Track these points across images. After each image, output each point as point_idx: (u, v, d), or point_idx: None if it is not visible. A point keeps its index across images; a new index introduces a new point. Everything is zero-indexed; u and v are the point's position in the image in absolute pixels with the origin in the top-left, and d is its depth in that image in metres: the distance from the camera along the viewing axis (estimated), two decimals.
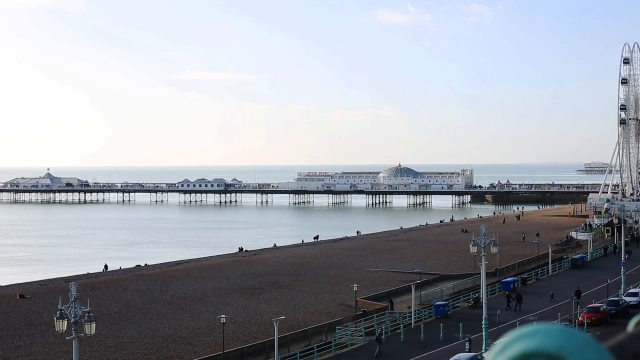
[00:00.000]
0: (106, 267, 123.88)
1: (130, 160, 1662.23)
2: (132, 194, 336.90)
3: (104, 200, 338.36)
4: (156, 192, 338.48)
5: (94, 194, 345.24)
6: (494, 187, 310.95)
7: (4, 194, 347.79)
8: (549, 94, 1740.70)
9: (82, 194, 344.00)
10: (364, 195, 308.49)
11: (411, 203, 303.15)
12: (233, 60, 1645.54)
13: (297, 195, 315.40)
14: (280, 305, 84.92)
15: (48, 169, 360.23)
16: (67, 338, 44.14)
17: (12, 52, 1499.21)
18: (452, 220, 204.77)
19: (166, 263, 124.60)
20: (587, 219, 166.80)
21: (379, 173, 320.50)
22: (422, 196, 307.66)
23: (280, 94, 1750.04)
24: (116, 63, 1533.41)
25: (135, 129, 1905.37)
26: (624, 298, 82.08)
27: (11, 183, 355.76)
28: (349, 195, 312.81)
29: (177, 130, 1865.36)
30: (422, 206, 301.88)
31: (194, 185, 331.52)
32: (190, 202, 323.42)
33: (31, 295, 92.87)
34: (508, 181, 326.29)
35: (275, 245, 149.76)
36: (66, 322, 43.26)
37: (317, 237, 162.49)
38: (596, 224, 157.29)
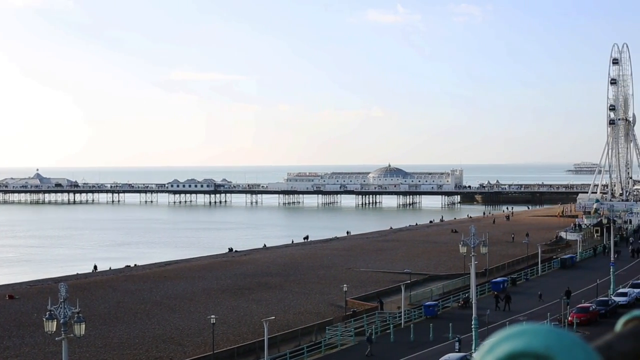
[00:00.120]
0: (95, 267, 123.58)
1: (114, 161, 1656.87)
2: (121, 194, 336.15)
3: (93, 200, 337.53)
4: (145, 192, 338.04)
5: (83, 194, 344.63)
6: (483, 187, 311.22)
7: None
8: (540, 94, 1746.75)
9: (71, 194, 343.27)
10: (354, 195, 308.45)
11: (401, 203, 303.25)
12: (222, 61, 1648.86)
13: (286, 196, 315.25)
14: (269, 306, 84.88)
15: (37, 169, 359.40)
16: (56, 338, 44.07)
17: None
18: (441, 220, 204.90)
19: (156, 263, 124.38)
20: (576, 219, 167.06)
21: (368, 173, 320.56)
22: (411, 196, 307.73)
23: (269, 94, 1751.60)
24: (103, 63, 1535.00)
25: (120, 128, 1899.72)
26: (613, 298, 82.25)
27: (0, 183, 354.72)
28: (339, 195, 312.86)
29: (164, 130, 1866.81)
30: (411, 206, 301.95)
31: (184, 186, 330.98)
32: (180, 202, 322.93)
33: (20, 295, 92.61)
34: (497, 181, 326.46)
35: (265, 245, 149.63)
36: (55, 322, 43.16)
37: (306, 237, 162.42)
38: (585, 224, 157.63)
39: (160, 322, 78.19)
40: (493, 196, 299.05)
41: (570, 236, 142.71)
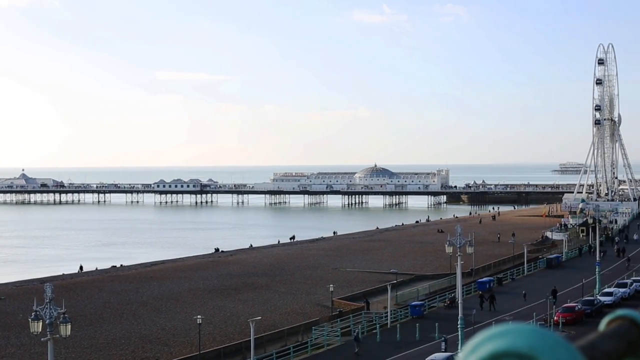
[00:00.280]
0: (81, 267, 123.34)
1: (95, 161, 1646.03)
2: (107, 195, 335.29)
3: (79, 200, 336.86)
4: (131, 192, 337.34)
5: (69, 195, 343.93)
6: (469, 187, 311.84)
7: None
8: (530, 94, 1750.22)
9: (57, 195, 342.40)
10: (340, 196, 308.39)
11: (387, 203, 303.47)
12: (208, 61, 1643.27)
13: (273, 196, 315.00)
14: (256, 306, 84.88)
15: (23, 170, 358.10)
16: (42, 339, 44.02)
17: None
18: (427, 220, 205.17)
19: (142, 264, 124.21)
20: (562, 219, 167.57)
21: (354, 173, 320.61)
22: (397, 196, 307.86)
23: (255, 95, 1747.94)
24: (87, 64, 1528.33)
25: (101, 129, 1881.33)
26: (598, 297, 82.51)
27: None
28: (325, 196, 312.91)
29: (148, 130, 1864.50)
30: (397, 206, 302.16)
31: (170, 186, 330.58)
32: (166, 202, 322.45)
33: (5, 296, 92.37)
34: (483, 181, 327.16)
35: (251, 245, 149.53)
36: (41, 323, 43.12)
37: (293, 237, 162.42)
38: (571, 224, 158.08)
39: (147, 322, 78.11)
40: (479, 196, 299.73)
41: (556, 236, 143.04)
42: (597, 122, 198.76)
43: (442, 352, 61.15)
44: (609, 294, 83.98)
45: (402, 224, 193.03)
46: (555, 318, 72.18)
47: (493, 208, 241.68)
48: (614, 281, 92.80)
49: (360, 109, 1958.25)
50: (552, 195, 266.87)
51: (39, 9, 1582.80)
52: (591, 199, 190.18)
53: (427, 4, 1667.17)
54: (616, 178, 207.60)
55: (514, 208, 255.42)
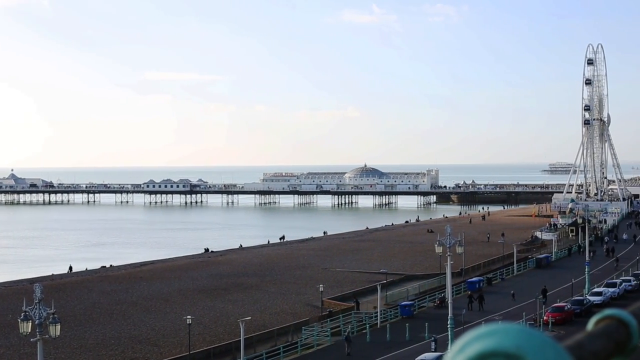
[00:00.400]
0: (71, 268, 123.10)
1: (82, 161, 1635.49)
2: (96, 195, 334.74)
3: (68, 201, 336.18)
4: (121, 192, 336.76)
5: (59, 195, 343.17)
6: (459, 187, 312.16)
7: None
8: (522, 94, 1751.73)
9: (47, 195, 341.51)
10: (330, 196, 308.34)
11: (377, 203, 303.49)
12: (197, 61, 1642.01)
13: (262, 196, 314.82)
14: (246, 306, 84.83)
15: (12, 169, 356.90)
16: (31, 340, 43.85)
17: None
18: (417, 220, 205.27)
19: (131, 264, 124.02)
20: (552, 219, 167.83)
21: (344, 173, 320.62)
22: (387, 196, 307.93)
23: (244, 95, 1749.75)
24: (75, 64, 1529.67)
25: (87, 128, 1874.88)
26: (588, 297, 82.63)
27: None
28: (315, 196, 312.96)
29: (136, 130, 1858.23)
30: (387, 206, 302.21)
31: (159, 186, 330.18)
32: (156, 202, 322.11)
33: None
34: (473, 181, 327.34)
35: (241, 245, 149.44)
36: (30, 323, 42.99)
37: (282, 238, 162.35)
38: (560, 224, 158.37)
39: (136, 322, 78.00)
40: (469, 196, 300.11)
41: (546, 236, 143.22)
42: (586, 122, 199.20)
43: (432, 352, 61.17)
44: (599, 293, 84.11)
45: (392, 224, 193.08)
46: (544, 318, 72.25)
47: (483, 208, 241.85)
48: (604, 281, 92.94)
49: (350, 109, 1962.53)
50: (541, 195, 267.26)
51: (27, 9, 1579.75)
52: (580, 198, 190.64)
53: (416, 4, 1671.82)
54: (605, 178, 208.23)
55: (504, 208, 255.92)
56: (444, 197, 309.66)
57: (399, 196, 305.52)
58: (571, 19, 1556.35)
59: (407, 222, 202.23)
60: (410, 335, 70.11)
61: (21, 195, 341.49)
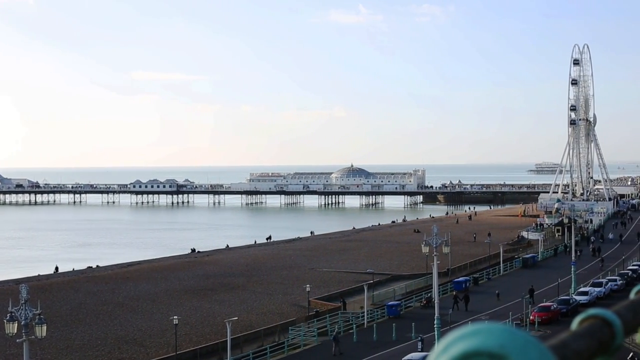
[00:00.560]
0: (57, 268, 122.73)
1: (61, 161, 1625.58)
2: (83, 195, 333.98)
3: (54, 201, 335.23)
4: (107, 192, 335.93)
5: (45, 195, 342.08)
6: (446, 187, 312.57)
7: None
8: (510, 94, 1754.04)
9: (33, 195, 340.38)
10: (316, 196, 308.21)
11: (363, 203, 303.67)
12: (182, 61, 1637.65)
13: (249, 196, 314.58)
14: (232, 306, 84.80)
15: None
16: (17, 340, 43.72)
17: None
18: (404, 220, 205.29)
19: (118, 264, 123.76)
20: (538, 219, 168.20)
21: (331, 173, 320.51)
22: (374, 196, 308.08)
23: (230, 95, 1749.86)
24: (57, 63, 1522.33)
25: (70, 128, 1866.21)
26: (574, 297, 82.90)
27: None
28: (301, 196, 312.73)
29: (118, 130, 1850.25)
30: (374, 206, 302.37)
31: (146, 186, 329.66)
32: (142, 202, 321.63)
33: None
34: (459, 181, 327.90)
35: (228, 245, 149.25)
36: (16, 324, 42.89)
37: (269, 238, 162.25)
38: (546, 224, 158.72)
39: (123, 323, 77.89)
40: (455, 196, 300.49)
41: (532, 236, 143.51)
42: (572, 122, 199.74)
43: (419, 351, 61.25)
44: (585, 293, 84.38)
45: (379, 224, 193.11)
46: (531, 317, 72.46)
47: (469, 208, 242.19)
48: (590, 280, 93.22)
49: (337, 109, 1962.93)
50: (527, 195, 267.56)
51: (11, 7, 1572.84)
52: (567, 198, 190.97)
53: (403, 4, 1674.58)
54: (591, 178, 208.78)
55: (490, 208, 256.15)
56: (430, 197, 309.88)
57: (385, 196, 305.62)
58: (559, 18, 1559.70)
59: (393, 222, 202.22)
60: (397, 335, 70.20)
61: (7, 196, 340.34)
